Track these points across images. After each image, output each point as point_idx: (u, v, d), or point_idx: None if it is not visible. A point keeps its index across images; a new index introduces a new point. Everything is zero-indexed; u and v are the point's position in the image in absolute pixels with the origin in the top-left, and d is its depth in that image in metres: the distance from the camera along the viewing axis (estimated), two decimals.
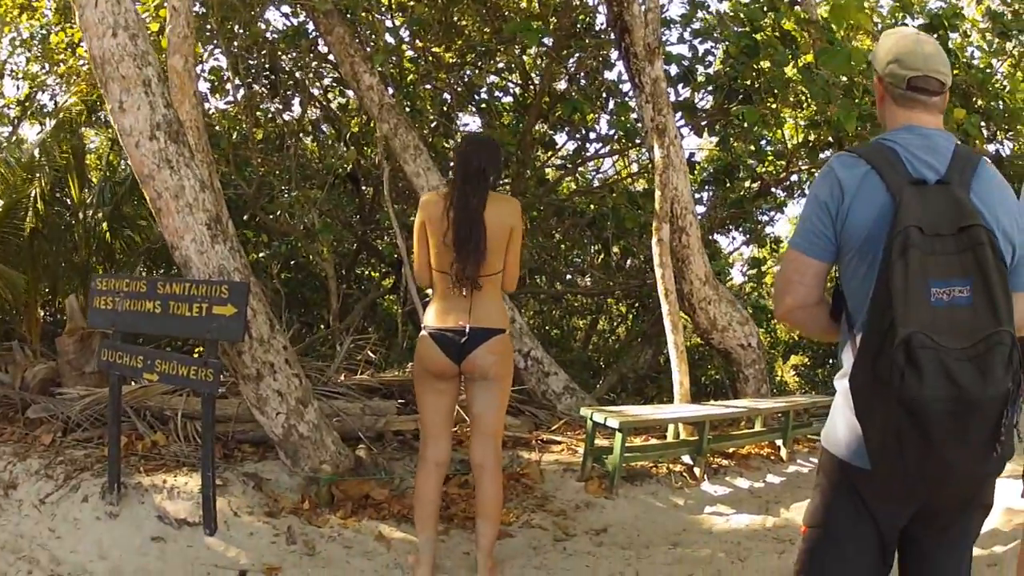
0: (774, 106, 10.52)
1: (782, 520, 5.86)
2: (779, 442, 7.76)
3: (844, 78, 9.14)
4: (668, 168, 8.12)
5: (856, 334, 2.30)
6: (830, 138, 9.90)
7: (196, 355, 6.45)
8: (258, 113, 11.68)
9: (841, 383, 2.39)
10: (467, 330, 4.31)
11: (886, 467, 2.16)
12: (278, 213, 11.18)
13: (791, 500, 6.36)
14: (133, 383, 6.02)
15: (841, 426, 2.36)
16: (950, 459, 2.07)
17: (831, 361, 14.68)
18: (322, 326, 11.31)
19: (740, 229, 14.75)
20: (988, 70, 10.91)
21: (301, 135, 12.11)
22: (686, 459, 6.90)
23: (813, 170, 13.30)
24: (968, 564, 2.47)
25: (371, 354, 8.73)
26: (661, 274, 7.92)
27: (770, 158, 13.25)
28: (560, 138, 13.11)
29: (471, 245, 4.23)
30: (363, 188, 12.63)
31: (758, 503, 6.35)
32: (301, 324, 11.89)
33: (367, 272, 15.37)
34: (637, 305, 15.24)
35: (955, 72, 10.75)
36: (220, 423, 5.74)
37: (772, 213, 14.97)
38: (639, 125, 10.61)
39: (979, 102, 10.13)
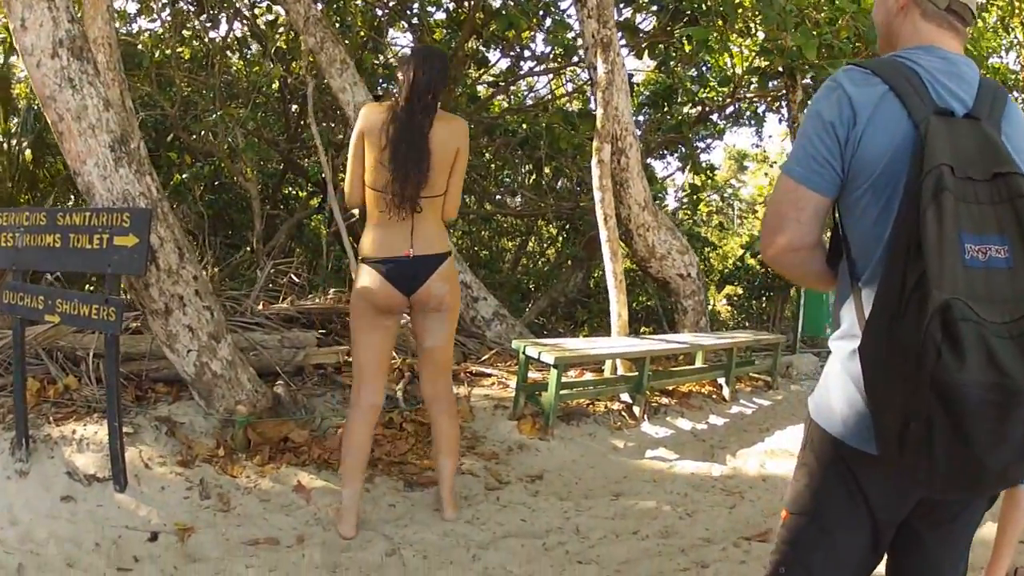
0: (721, 31, 10.13)
1: (729, 469, 5.68)
2: (722, 380, 7.59)
3: (795, 8, 8.80)
4: (611, 85, 7.71)
5: (862, 288, 1.92)
6: (780, 67, 9.54)
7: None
8: (184, 31, 11.00)
9: (840, 345, 2.00)
10: (411, 258, 4.03)
11: (905, 459, 1.75)
12: (201, 133, 10.60)
13: (737, 445, 6.20)
14: None
15: (838, 398, 1.97)
16: (985, 459, 1.66)
17: (767, 294, 14.62)
18: (248, 248, 10.82)
19: (675, 155, 14.48)
20: None
21: (227, 52, 11.44)
22: (624, 397, 6.67)
23: (755, 99, 13.12)
24: (966, 561, 2.17)
25: (295, 278, 8.31)
26: (601, 198, 7.56)
27: (712, 84, 12.99)
28: (493, 56, 12.64)
29: (412, 164, 3.91)
30: (289, 105, 12.05)
31: (702, 448, 6.16)
32: (228, 246, 11.42)
33: (294, 192, 14.85)
34: (567, 227, 15.00)
35: None
36: (132, 361, 5.35)
37: (709, 140, 14.79)
38: (578, 43, 10.22)
39: None
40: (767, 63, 9.85)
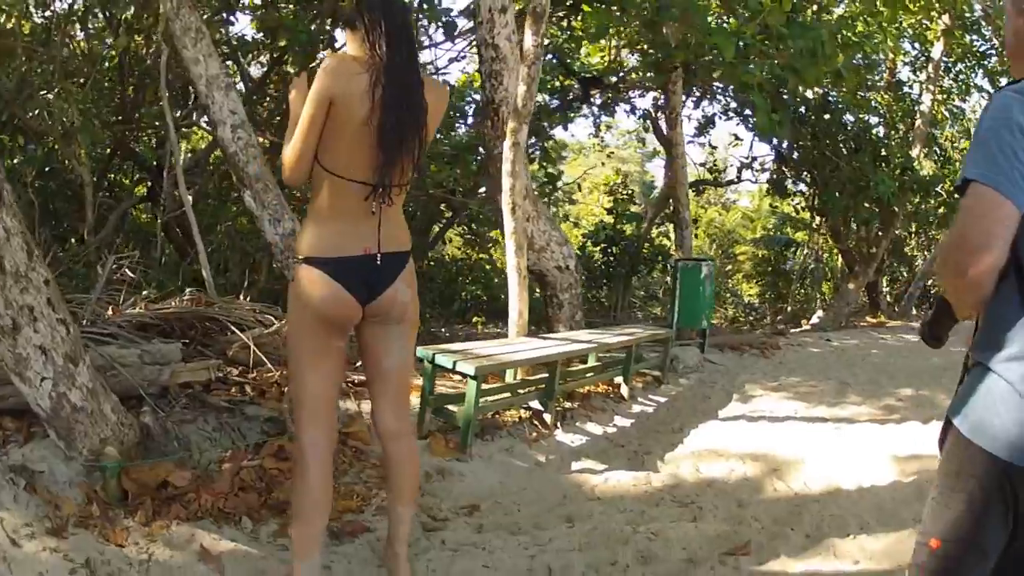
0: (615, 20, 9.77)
1: (668, 476, 5.36)
2: (619, 380, 7.32)
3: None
4: (538, 59, 7.14)
5: None
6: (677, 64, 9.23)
7: None
8: (30, 2, 9.71)
9: (1012, 368, 1.96)
10: (378, 257, 3.15)
11: None
12: (35, 112, 9.36)
13: (659, 449, 5.94)
14: None
15: (1009, 420, 1.94)
16: None
17: (607, 283, 14.66)
18: (74, 241, 9.58)
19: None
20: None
21: (71, 24, 10.14)
22: (533, 404, 6.24)
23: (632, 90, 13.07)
24: None
25: (129, 273, 7.25)
26: (511, 185, 7.14)
27: (572, 72, 12.94)
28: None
29: (410, 139, 3.07)
30: (127, 81, 10.86)
31: (626, 454, 5.84)
32: (56, 238, 10.13)
33: (119, 179, 13.48)
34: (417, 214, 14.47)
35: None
36: None
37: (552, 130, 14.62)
38: (456, 18, 9.78)
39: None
40: (662, 58, 9.48)
